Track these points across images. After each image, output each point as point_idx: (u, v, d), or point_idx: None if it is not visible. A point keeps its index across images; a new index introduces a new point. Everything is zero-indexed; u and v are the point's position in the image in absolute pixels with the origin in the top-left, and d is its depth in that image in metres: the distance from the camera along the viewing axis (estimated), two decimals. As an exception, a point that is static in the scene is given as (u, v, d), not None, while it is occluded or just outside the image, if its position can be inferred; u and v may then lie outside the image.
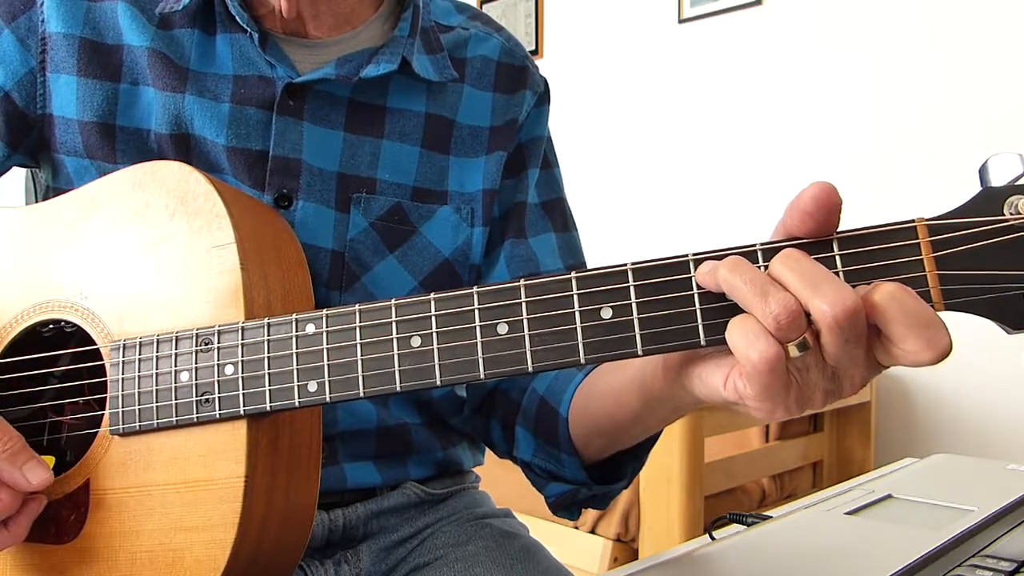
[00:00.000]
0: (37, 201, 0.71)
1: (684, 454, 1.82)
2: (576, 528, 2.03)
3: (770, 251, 0.45)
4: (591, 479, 0.71)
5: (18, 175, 0.90)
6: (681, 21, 2.92)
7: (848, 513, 0.79)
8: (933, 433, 2.38)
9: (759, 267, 0.45)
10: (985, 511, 0.76)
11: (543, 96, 0.86)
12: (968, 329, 0.46)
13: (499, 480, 1.03)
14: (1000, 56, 2.26)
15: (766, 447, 2.22)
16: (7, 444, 0.56)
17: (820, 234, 0.45)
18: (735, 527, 0.80)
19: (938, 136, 2.35)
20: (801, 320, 0.42)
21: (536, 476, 0.75)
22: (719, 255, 0.46)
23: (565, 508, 0.75)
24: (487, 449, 0.88)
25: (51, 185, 0.75)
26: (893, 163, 2.45)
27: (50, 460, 0.61)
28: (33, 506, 0.57)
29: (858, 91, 2.52)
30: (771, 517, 0.80)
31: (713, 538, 0.77)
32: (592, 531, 2.00)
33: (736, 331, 0.44)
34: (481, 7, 3.49)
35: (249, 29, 0.72)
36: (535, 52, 3.34)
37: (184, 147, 0.72)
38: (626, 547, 1.97)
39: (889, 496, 0.85)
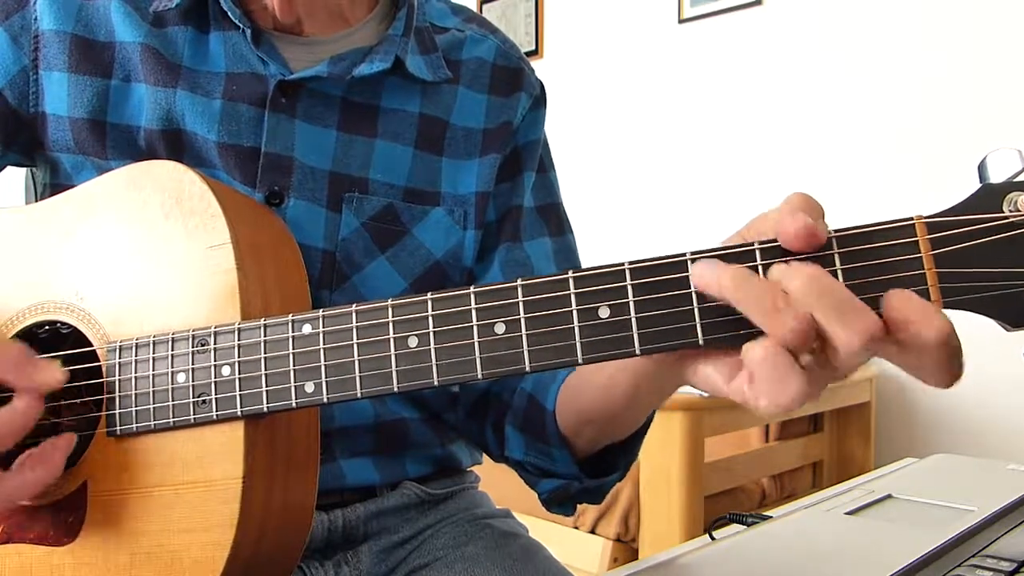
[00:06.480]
0: (37, 200, 0.71)
1: (684, 454, 1.82)
2: (576, 528, 2.03)
3: (768, 251, 0.45)
4: (583, 473, 0.70)
5: (18, 174, 0.90)
6: (681, 21, 2.92)
7: (848, 513, 0.79)
8: (933, 433, 2.38)
9: (757, 266, 0.45)
10: (985, 511, 0.76)
11: (539, 99, 0.85)
12: (968, 330, 0.46)
13: (499, 480, 1.02)
14: (1000, 56, 2.26)
15: (766, 447, 2.23)
16: (8, 352, 0.54)
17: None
18: (735, 527, 0.80)
19: (938, 136, 2.35)
20: (814, 335, 0.42)
21: (528, 474, 0.75)
22: (717, 254, 0.46)
23: (559, 504, 0.74)
24: (485, 450, 0.88)
25: (49, 182, 0.74)
26: (893, 163, 2.44)
27: None
28: (63, 441, 0.55)
29: (858, 91, 2.52)
30: (771, 517, 0.80)
31: (713, 538, 0.76)
32: (592, 531, 2.00)
33: (765, 375, 0.42)
34: (481, 8, 3.49)
35: (242, 25, 0.72)
36: (535, 52, 3.34)
37: (175, 143, 0.71)
38: (626, 547, 1.97)
39: (889, 496, 0.85)
